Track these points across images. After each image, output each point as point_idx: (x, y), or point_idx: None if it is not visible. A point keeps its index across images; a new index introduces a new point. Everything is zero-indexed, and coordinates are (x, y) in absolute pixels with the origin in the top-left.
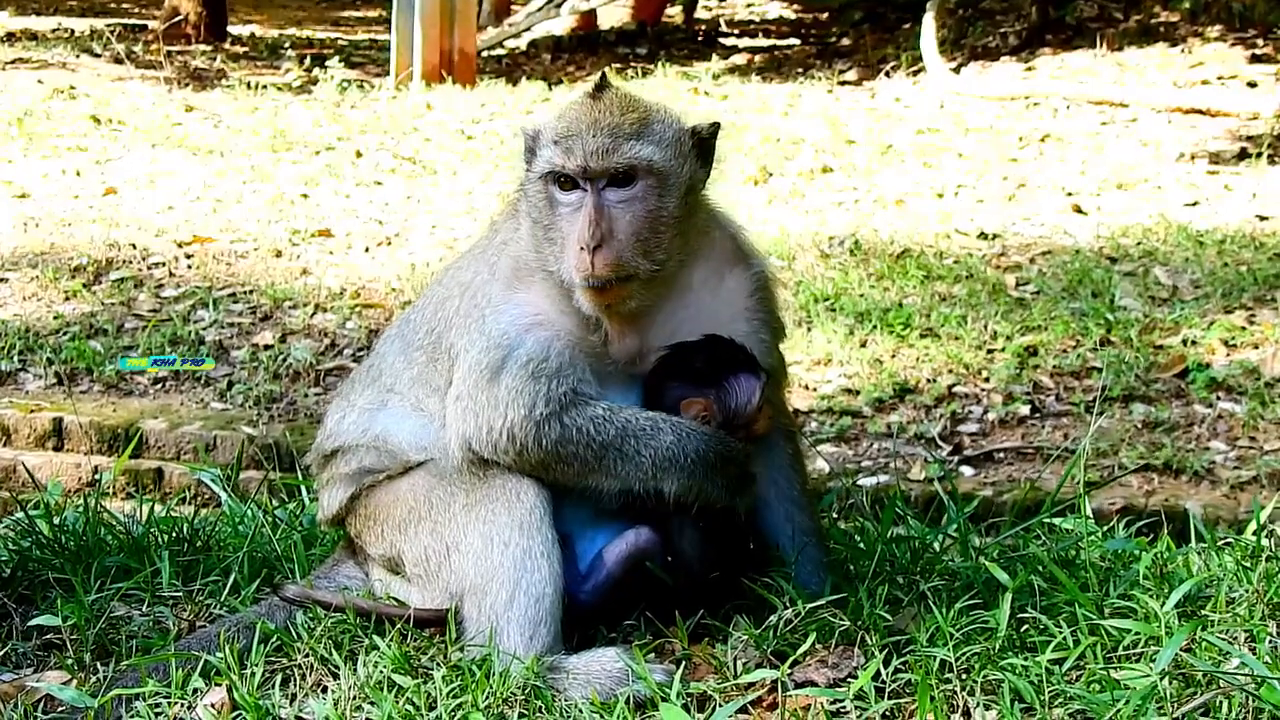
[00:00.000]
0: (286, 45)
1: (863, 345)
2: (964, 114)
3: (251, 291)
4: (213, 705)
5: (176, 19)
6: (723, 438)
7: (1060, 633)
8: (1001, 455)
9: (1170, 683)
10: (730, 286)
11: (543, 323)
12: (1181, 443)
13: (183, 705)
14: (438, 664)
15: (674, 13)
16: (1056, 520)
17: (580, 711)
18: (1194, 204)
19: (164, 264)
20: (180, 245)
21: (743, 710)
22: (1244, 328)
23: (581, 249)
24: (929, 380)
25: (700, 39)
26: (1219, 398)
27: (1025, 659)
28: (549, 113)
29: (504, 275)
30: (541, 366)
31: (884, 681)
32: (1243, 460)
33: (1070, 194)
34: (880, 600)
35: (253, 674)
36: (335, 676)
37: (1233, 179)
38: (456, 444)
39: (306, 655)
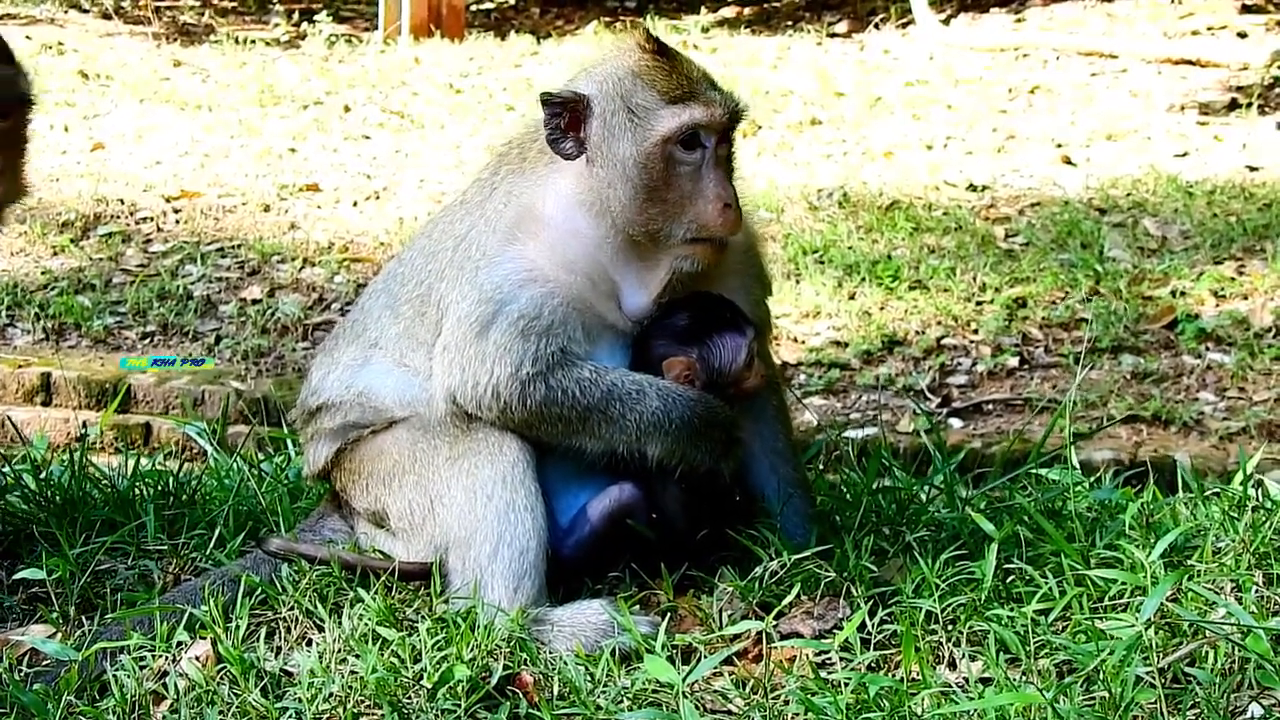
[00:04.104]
0: (274, 0)
1: (851, 297)
2: (953, 65)
3: (239, 246)
4: (197, 658)
5: None
6: (709, 402)
7: (1046, 583)
8: (990, 407)
9: (1156, 632)
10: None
11: (538, 278)
12: (1170, 394)
13: (167, 658)
14: (422, 617)
15: None
16: (1043, 471)
17: (565, 663)
18: (1184, 155)
19: (152, 219)
20: (168, 200)
21: (728, 662)
22: (1233, 278)
23: (727, 206)
24: (918, 332)
25: None
26: (1208, 348)
27: (1011, 609)
28: (590, 78)
29: (503, 229)
30: (532, 324)
31: (869, 633)
32: (1232, 411)
33: (1059, 145)
34: (866, 551)
35: (237, 627)
36: (320, 629)
37: (1223, 129)
38: (441, 396)
39: (291, 608)
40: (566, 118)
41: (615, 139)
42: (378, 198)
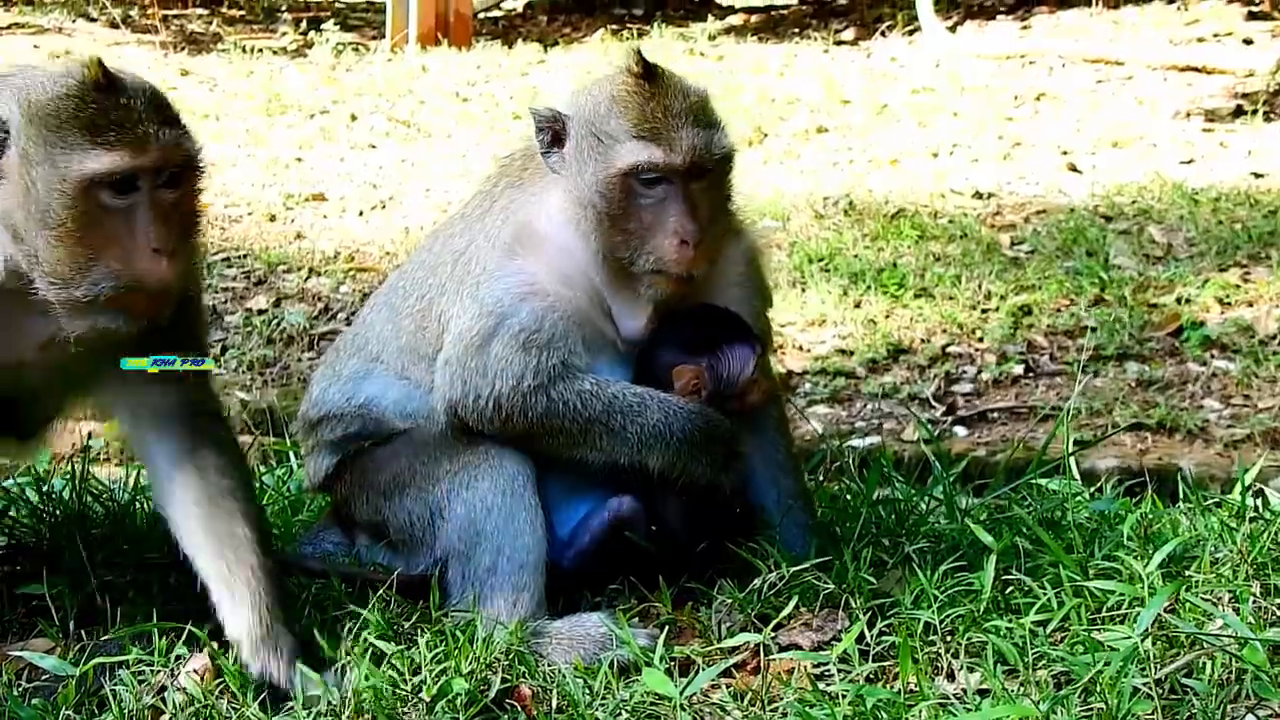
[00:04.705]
0: (282, 8)
1: (857, 306)
2: (959, 73)
3: (245, 256)
4: (195, 672)
5: None
6: (710, 415)
7: (1044, 594)
8: (995, 415)
9: (1153, 644)
10: (725, 255)
11: (538, 292)
12: (1175, 401)
13: (166, 673)
14: (422, 630)
15: None
16: (1043, 481)
17: (564, 676)
18: (1189, 162)
19: None
20: None
21: (726, 674)
22: (1238, 285)
23: (684, 243)
24: (923, 340)
25: None
26: (1213, 356)
27: (1009, 621)
28: (577, 96)
29: (503, 243)
30: (533, 337)
31: (868, 644)
32: (1236, 418)
33: (1065, 152)
34: (865, 563)
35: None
36: (319, 642)
37: (1228, 136)
38: (442, 409)
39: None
40: (550, 134)
41: (584, 162)
42: (384, 207)
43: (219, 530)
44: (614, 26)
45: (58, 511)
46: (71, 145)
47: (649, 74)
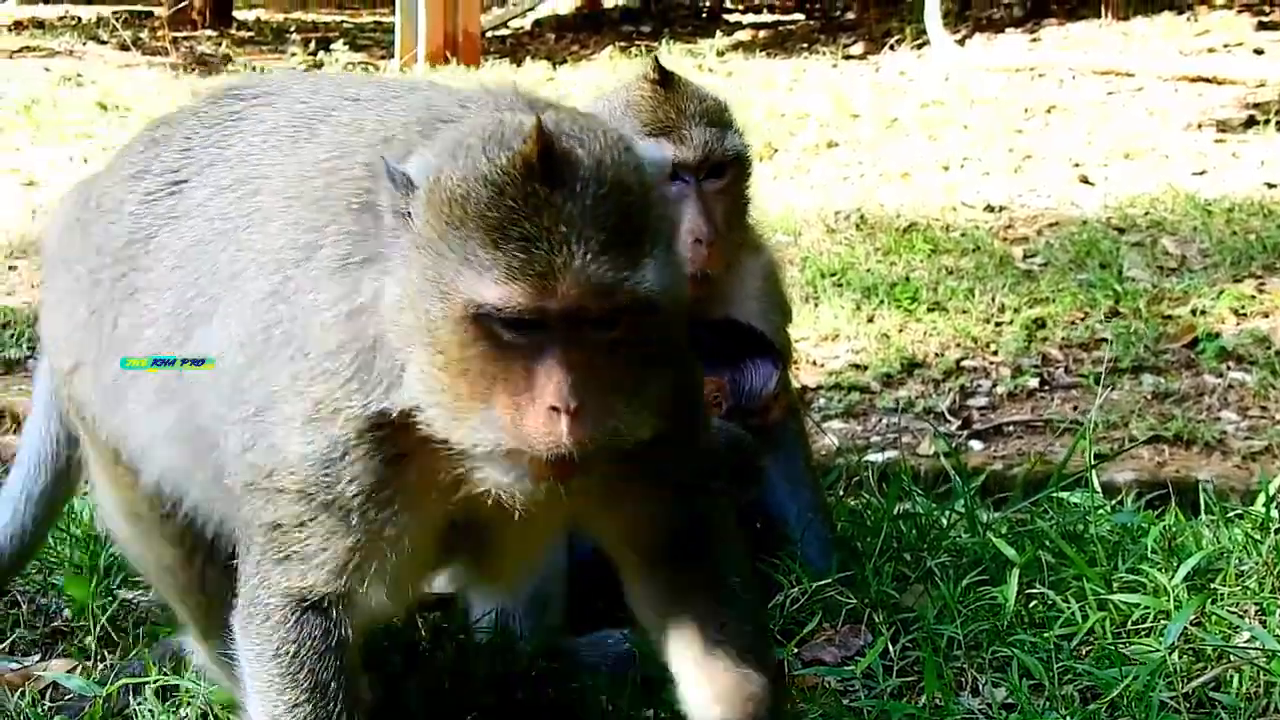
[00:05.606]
0: (291, 29)
1: (870, 320)
2: (969, 86)
3: None
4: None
5: (182, 5)
6: (730, 430)
7: (1068, 608)
8: (1011, 428)
9: (1180, 657)
10: (743, 269)
11: None
12: (1192, 413)
13: (189, 691)
14: (444, 646)
15: None
16: (1065, 494)
17: (588, 692)
18: (1202, 173)
19: None
20: None
21: None
22: (1254, 296)
23: (697, 241)
24: (937, 354)
25: (704, 15)
26: (1229, 367)
27: (1033, 635)
28: (595, 103)
29: None
30: None
31: (891, 659)
32: (1254, 430)
33: (1077, 164)
34: (887, 578)
35: None
36: None
37: (1240, 147)
38: None
39: None
40: None
41: None
42: None
43: None
44: (622, 43)
45: (78, 531)
46: (465, 253)
47: (665, 80)
